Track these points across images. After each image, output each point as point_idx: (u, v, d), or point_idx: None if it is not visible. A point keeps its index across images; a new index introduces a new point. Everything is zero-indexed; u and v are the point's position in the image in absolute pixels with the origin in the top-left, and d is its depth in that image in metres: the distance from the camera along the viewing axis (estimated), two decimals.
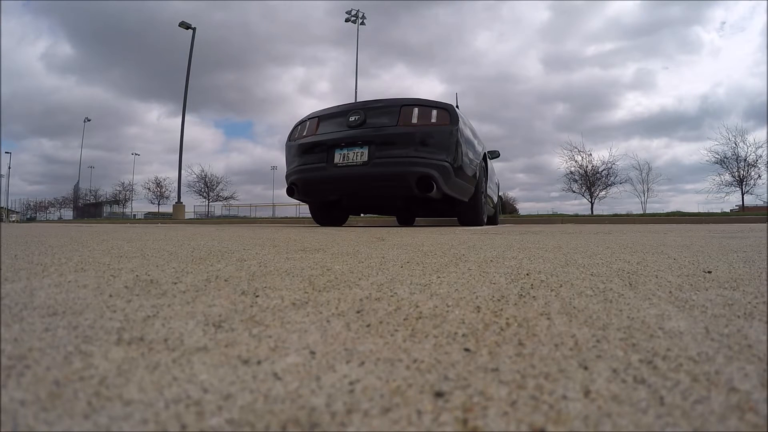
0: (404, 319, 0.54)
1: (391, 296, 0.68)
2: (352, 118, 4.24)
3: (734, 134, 25.38)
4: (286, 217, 18.43)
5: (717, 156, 25.64)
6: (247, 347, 0.43)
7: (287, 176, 4.74)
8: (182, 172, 20.89)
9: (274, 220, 13.24)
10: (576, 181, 28.35)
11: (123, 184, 46.48)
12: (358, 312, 0.58)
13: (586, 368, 0.37)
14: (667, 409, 0.30)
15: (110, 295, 0.67)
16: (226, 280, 0.82)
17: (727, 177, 25.55)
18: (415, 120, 4.07)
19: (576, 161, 28.17)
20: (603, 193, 28.06)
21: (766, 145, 24.53)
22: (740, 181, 25.16)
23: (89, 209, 43.19)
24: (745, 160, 24.89)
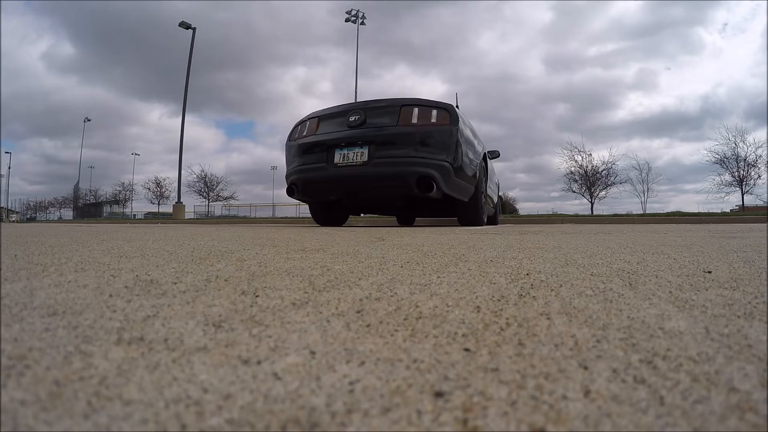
0: (404, 319, 0.54)
1: (391, 296, 0.68)
2: (352, 118, 4.23)
3: (734, 134, 25.40)
4: (286, 217, 18.43)
5: (717, 156, 25.65)
6: (247, 347, 0.43)
7: (287, 176, 4.74)
8: (182, 172, 20.90)
9: (274, 220, 13.24)
10: (576, 181, 28.36)
11: (123, 184, 46.48)
12: (358, 312, 0.58)
13: (586, 368, 0.37)
14: (667, 409, 0.30)
15: (110, 295, 0.67)
16: (226, 280, 0.82)
17: (727, 177, 25.57)
18: (415, 120, 4.07)
19: (576, 161, 28.19)
20: (603, 193, 28.08)
21: (766, 145, 24.54)
22: (740, 181, 25.16)
23: (89, 209, 43.20)
24: (745, 160, 24.90)
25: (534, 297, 0.68)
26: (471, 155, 4.41)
